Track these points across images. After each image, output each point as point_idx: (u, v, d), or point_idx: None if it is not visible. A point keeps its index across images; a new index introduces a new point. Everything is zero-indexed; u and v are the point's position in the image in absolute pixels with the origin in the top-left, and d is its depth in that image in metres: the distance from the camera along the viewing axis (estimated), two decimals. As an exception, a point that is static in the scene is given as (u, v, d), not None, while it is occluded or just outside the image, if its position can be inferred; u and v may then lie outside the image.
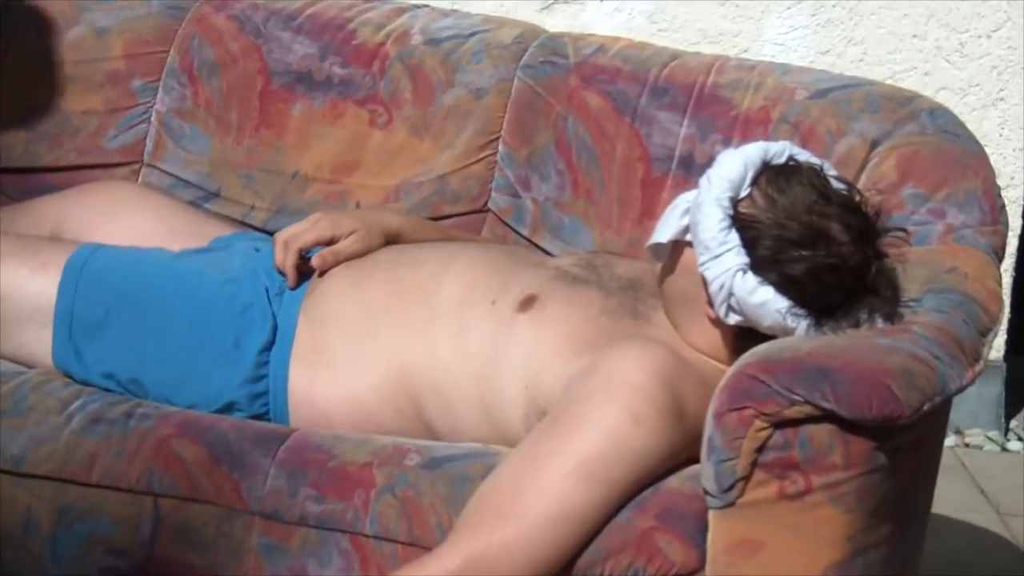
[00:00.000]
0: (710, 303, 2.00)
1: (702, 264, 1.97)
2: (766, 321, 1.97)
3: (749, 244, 1.96)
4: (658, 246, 2.06)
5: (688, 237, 2.02)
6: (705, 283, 1.99)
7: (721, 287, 1.96)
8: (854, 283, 1.97)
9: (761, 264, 1.96)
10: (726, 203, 1.97)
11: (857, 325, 1.96)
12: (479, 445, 2.03)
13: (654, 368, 1.93)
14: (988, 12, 3.52)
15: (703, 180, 2.01)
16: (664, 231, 2.05)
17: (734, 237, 1.96)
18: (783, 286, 1.95)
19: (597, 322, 2.06)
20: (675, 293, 2.06)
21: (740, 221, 1.97)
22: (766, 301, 1.95)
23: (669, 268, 2.07)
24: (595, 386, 1.93)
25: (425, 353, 2.10)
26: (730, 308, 1.98)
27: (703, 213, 1.97)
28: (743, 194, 1.99)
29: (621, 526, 1.88)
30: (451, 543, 1.86)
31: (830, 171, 2.06)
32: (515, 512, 1.85)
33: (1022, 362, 3.84)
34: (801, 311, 1.95)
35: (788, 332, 1.96)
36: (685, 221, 2.02)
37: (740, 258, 1.96)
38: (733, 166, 1.99)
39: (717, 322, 2.02)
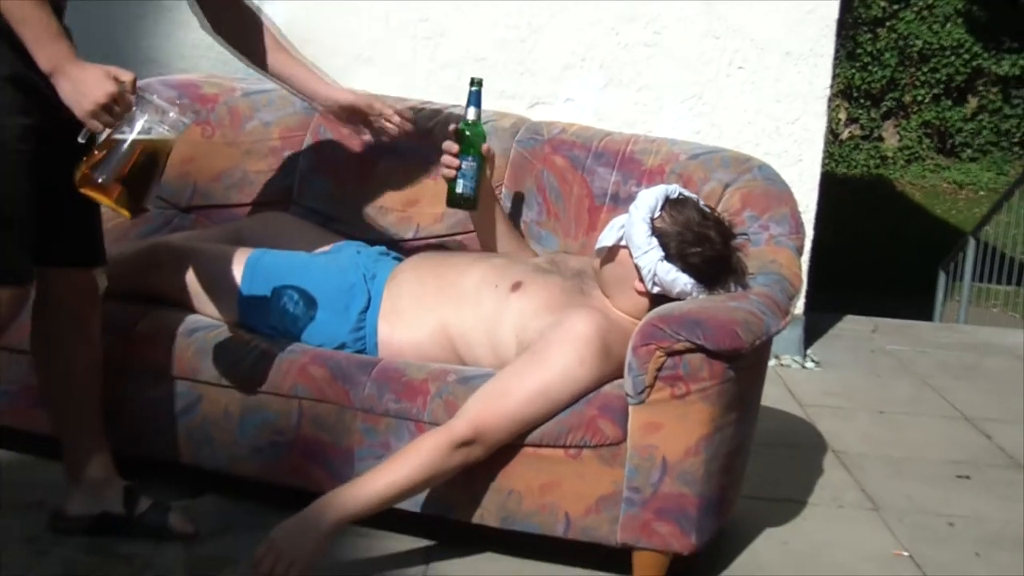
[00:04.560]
0: (641, 280, 1.99)
1: (636, 257, 1.97)
2: (676, 290, 1.96)
3: (664, 246, 1.96)
4: (602, 248, 2.05)
5: (622, 242, 2.01)
6: (638, 268, 1.98)
7: (649, 271, 1.96)
8: (726, 266, 1.99)
9: (673, 257, 1.95)
10: (648, 220, 1.97)
11: (729, 290, 1.97)
12: (491, 370, 2.01)
13: (595, 326, 1.92)
14: (792, 109, 3.54)
15: (632, 207, 2.01)
16: (608, 238, 2.04)
17: (654, 241, 1.96)
18: (687, 271, 1.95)
19: (559, 295, 2.04)
20: (613, 276, 2.04)
21: (657, 232, 1.97)
22: (676, 279, 1.95)
23: (610, 260, 2.04)
24: (559, 336, 1.92)
25: (457, 318, 2.09)
26: (654, 283, 1.98)
27: (635, 228, 1.97)
28: (656, 215, 1.98)
29: (576, 413, 1.88)
30: (460, 417, 1.85)
31: (701, 201, 2.06)
32: (502, 401, 1.86)
33: (814, 316, 3.87)
34: (699, 285, 1.95)
35: (687, 296, 1.96)
36: (620, 232, 2.01)
37: (659, 253, 1.96)
38: (650, 199, 1.99)
39: (643, 293, 2.00)
